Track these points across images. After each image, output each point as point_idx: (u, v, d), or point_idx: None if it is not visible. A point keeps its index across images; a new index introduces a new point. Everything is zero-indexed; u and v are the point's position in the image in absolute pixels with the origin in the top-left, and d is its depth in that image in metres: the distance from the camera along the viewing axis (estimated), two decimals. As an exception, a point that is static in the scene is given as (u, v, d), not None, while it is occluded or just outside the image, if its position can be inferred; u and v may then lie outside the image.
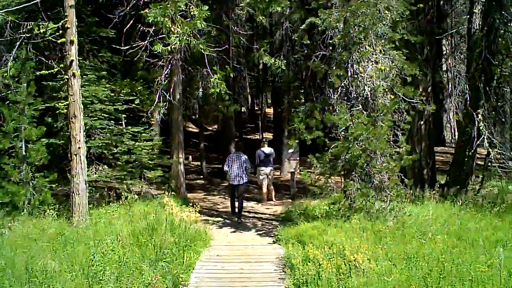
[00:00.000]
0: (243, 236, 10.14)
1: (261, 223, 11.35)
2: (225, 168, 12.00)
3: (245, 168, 11.83)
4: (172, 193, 12.29)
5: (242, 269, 7.45)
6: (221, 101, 15.67)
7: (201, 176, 16.88)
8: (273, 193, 13.98)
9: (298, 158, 11.90)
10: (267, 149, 13.71)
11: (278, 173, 16.41)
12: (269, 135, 27.98)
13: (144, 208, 11.18)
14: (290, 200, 13.57)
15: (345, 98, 9.92)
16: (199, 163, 18.59)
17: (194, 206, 11.50)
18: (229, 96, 15.62)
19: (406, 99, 9.77)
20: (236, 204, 11.86)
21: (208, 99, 15.81)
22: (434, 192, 10.93)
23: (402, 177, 9.61)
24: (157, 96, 12.17)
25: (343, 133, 9.65)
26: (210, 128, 29.94)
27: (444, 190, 11.81)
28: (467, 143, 12.12)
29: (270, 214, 12.34)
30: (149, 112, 12.48)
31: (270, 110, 35.86)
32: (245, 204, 13.57)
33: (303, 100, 15.66)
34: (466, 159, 12.33)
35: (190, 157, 20.50)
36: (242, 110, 28.82)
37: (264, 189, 13.73)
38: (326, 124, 9.84)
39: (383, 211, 9.29)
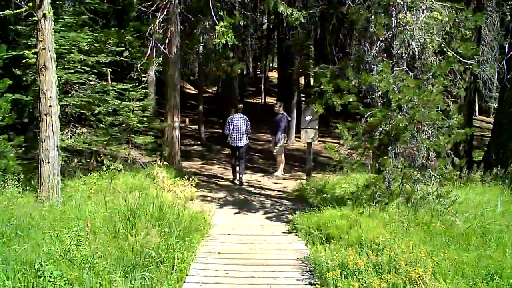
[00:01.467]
0: (250, 220, 8.00)
1: (270, 202, 9.19)
2: (226, 130, 10.97)
3: (246, 130, 10.86)
4: (165, 162, 10.14)
5: (253, 277, 5.29)
6: (225, 58, 13.36)
7: (199, 142, 14.63)
8: (282, 165, 11.84)
9: (317, 127, 9.63)
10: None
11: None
12: (272, 100, 25.66)
13: (130, 180, 9.02)
14: (304, 176, 11.44)
15: (386, 55, 7.63)
16: (196, 127, 16.33)
17: (190, 178, 9.36)
18: (234, 53, 13.30)
19: (461, 59, 7.49)
20: (238, 168, 10.96)
21: (210, 56, 13.46)
22: (476, 172, 8.79)
23: (453, 156, 7.41)
24: (150, 48, 9.79)
25: (381, 98, 7.43)
26: (210, 90, 27.53)
27: (483, 170, 9.65)
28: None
29: (279, 191, 10.19)
30: (139, 66, 10.10)
31: (272, 74, 33.43)
32: (249, 177, 11.45)
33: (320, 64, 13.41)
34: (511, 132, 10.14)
35: (187, 120, 18.22)
36: (244, 72, 26.34)
37: (282, 160, 11.63)
38: (361, 87, 7.57)
39: (427, 197, 7.15)
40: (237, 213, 8.45)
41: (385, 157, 7.24)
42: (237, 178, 10.98)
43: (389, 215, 6.77)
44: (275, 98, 25.29)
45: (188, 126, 17.81)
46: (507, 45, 14.20)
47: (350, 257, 5.06)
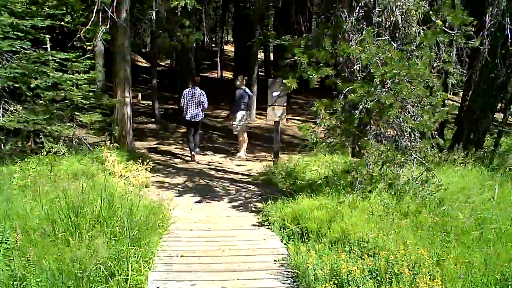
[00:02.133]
0: (214, 210, 7.01)
1: (234, 188, 8.23)
2: (181, 104, 10.44)
3: (201, 104, 10.31)
4: (115, 144, 8.93)
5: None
6: (180, 27, 12.11)
7: (153, 120, 13.38)
8: (245, 145, 10.87)
9: (285, 104, 8.67)
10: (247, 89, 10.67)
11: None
12: (228, 74, 24.48)
13: (75, 165, 7.81)
14: (269, 157, 10.54)
15: (365, 23, 6.72)
16: (150, 103, 15.02)
17: (145, 162, 8.24)
18: (189, 21, 12.07)
19: (446, 30, 6.69)
20: (193, 143, 10.43)
21: (163, 24, 12.15)
22: (456, 153, 8.16)
23: (438, 137, 6.67)
24: (95, 11, 8.42)
25: (361, 72, 6.54)
26: (163, 64, 25.97)
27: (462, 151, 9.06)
28: (492, 87, 9.35)
29: (244, 174, 9.23)
30: (82, 34, 8.73)
31: (228, 48, 32.11)
32: (210, 159, 10.44)
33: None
34: (485, 110, 9.58)
35: (140, 94, 16.85)
36: (199, 44, 24.95)
37: (245, 140, 10.64)
38: (338, 60, 6.65)
39: (411, 182, 6.40)
40: (198, 201, 7.44)
41: (366, 138, 6.42)
42: (194, 153, 10.36)
43: (371, 204, 5.98)
44: (232, 72, 24.15)
45: (141, 102, 16.46)
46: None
47: (341, 262, 4.19)
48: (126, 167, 8.57)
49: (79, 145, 8.71)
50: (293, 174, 8.43)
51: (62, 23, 8.78)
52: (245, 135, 10.77)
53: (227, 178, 8.85)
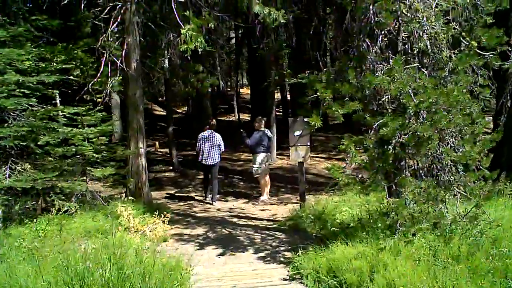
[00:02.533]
0: (239, 264, 6.31)
1: (259, 236, 7.53)
2: (197, 148, 10.25)
3: (218, 147, 10.06)
4: (130, 197, 8.42)
5: None
6: (194, 73, 11.77)
7: (171, 167, 12.86)
8: (267, 188, 10.23)
9: (308, 144, 8.05)
10: (267, 131, 10.16)
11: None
12: (245, 116, 24.11)
13: (88, 222, 7.27)
14: (293, 199, 9.86)
15: (390, 52, 6.15)
16: (168, 150, 14.56)
17: (162, 213, 7.64)
18: (203, 66, 11.73)
19: (480, 52, 6.08)
20: (210, 186, 10.12)
21: (176, 71, 11.83)
22: (505, 184, 7.37)
23: (484, 168, 5.93)
24: (103, 62, 8.07)
25: (391, 104, 5.92)
26: (179, 111, 25.79)
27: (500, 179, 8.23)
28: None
29: (269, 220, 8.54)
30: (91, 86, 8.36)
31: (243, 91, 31.97)
32: (231, 204, 9.80)
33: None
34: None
35: (157, 143, 16.44)
36: (215, 89, 24.76)
37: (267, 183, 10.05)
38: (364, 92, 6.05)
39: (458, 221, 5.64)
40: (221, 254, 6.75)
41: (403, 175, 5.73)
42: (210, 200, 9.98)
43: (416, 249, 5.24)
44: (250, 114, 23.77)
45: (159, 150, 16.03)
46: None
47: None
48: (142, 221, 7.98)
49: (93, 200, 8.17)
50: (323, 217, 7.71)
51: (71, 77, 8.46)
52: (267, 177, 10.14)
53: (251, 225, 8.16)
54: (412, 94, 5.54)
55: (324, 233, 7.09)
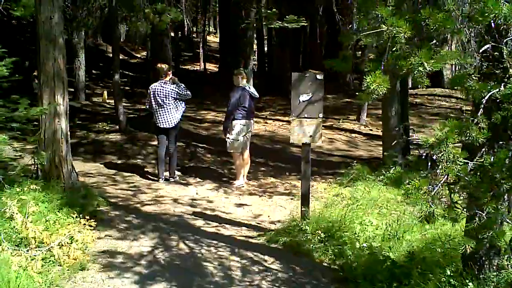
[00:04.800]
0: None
1: (239, 265, 4.39)
2: (146, 104, 7.22)
3: (177, 102, 6.85)
4: (41, 180, 5.17)
5: None
6: (149, 2, 8.22)
7: (117, 127, 9.39)
8: (246, 169, 7.09)
9: (320, 115, 4.79)
10: (251, 87, 6.93)
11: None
12: (212, 66, 20.52)
13: None
14: (283, 181, 6.75)
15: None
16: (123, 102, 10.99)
17: (90, 206, 4.49)
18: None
19: None
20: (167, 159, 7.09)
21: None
22: None
23: None
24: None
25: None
26: (138, 55, 21.83)
27: None
28: None
29: (251, 227, 5.40)
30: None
31: (211, 38, 28.09)
32: (195, 191, 6.61)
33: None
34: None
35: (105, 92, 12.83)
36: (179, 33, 20.91)
37: (244, 161, 6.89)
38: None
39: None
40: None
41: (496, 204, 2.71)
42: (163, 176, 6.99)
43: None
44: (217, 65, 20.20)
45: (107, 101, 12.45)
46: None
47: None
48: (52, 224, 4.76)
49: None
50: (336, 234, 4.70)
51: None
52: (246, 154, 6.97)
53: (223, 237, 5.02)
54: None
55: (344, 267, 4.14)
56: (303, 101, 4.74)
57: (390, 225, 4.93)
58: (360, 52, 14.52)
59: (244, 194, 6.59)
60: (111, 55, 19.69)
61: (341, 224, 4.80)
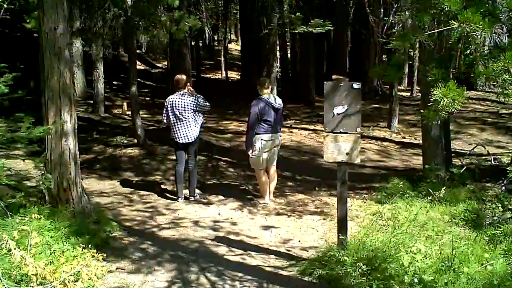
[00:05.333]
0: None
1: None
2: (163, 118, 6.41)
3: (196, 115, 6.24)
4: (49, 205, 4.66)
5: None
6: (167, 9, 7.72)
7: (136, 141, 8.88)
8: (272, 185, 6.43)
9: (358, 129, 4.11)
10: (275, 96, 6.35)
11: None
12: (234, 75, 20.00)
13: None
14: (316, 207, 6.03)
15: None
16: (143, 114, 10.50)
17: (103, 232, 3.91)
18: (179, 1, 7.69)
19: None
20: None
21: (141, 6, 7.69)
22: None
23: None
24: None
25: None
26: (160, 65, 21.51)
27: None
28: None
29: (279, 255, 4.72)
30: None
31: (233, 46, 27.65)
32: (217, 211, 5.96)
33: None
34: None
35: (125, 104, 12.38)
36: (200, 41, 20.48)
37: (270, 178, 6.23)
38: None
39: None
40: None
41: None
42: (182, 195, 6.37)
43: None
44: (239, 72, 19.67)
45: (127, 113, 11.99)
46: None
47: None
48: (58, 258, 4.21)
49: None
50: (381, 266, 3.98)
51: None
52: (272, 170, 6.31)
53: (249, 269, 4.36)
54: None
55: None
56: (338, 114, 4.06)
57: (442, 253, 4.21)
58: (385, 56, 13.73)
59: (271, 214, 5.93)
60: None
61: (385, 254, 4.09)
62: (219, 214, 5.89)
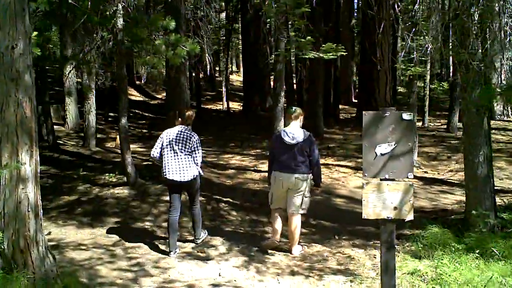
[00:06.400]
0: None
1: None
2: (153, 152, 5.30)
3: (192, 155, 5.15)
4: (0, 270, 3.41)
5: None
6: (163, 32, 6.75)
7: (125, 179, 7.71)
8: (297, 236, 5.22)
9: (410, 175, 2.99)
10: (295, 129, 5.14)
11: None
12: (235, 105, 19.04)
13: None
14: (338, 259, 4.83)
15: None
16: (134, 148, 9.40)
17: None
18: (177, 24, 6.72)
19: None
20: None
21: (131, 23, 6.73)
22: None
23: None
24: None
25: None
26: (160, 97, 20.61)
27: None
28: None
29: None
30: None
31: (234, 77, 26.86)
32: (215, 266, 4.72)
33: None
34: None
35: (118, 137, 11.26)
36: (201, 75, 19.66)
37: (289, 225, 5.11)
38: None
39: None
40: None
41: None
42: (174, 249, 5.16)
43: None
44: (240, 103, 18.73)
45: (119, 147, 10.85)
46: None
47: None
48: None
49: None
50: None
51: None
52: (292, 216, 5.15)
53: None
54: None
55: None
56: (382, 155, 2.93)
57: None
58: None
59: (284, 273, 4.71)
60: (130, 96, 18.48)
61: None
62: (219, 275, 4.67)
